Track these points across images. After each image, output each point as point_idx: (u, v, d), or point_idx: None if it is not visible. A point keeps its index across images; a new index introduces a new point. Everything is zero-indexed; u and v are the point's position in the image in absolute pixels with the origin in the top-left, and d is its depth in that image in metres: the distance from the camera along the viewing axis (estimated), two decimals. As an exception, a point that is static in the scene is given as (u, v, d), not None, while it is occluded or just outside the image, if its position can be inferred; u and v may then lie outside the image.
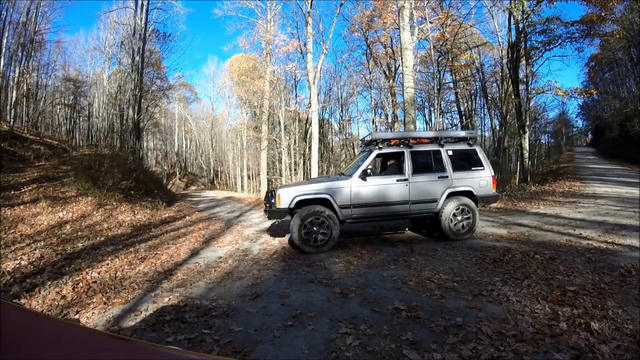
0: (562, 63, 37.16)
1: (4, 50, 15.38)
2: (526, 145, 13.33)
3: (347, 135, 28.18)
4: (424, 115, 25.74)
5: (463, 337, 2.29)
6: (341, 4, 14.06)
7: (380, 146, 5.19)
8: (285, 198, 4.75)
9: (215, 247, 5.44)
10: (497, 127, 19.46)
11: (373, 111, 24.47)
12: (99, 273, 4.12)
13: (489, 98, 20.65)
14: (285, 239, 5.76)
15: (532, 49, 12.63)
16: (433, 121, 22.93)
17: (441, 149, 5.24)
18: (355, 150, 27.59)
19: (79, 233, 5.93)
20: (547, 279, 3.25)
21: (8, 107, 15.51)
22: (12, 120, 14.73)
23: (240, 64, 25.38)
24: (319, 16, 22.51)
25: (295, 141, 21.11)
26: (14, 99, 15.90)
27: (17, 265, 4.15)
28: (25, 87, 17.52)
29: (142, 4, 15.38)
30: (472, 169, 5.27)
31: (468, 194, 5.17)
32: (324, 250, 4.71)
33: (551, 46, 12.59)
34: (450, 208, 5.02)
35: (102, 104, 21.56)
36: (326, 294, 3.18)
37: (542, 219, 6.46)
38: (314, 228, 4.70)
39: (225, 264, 4.44)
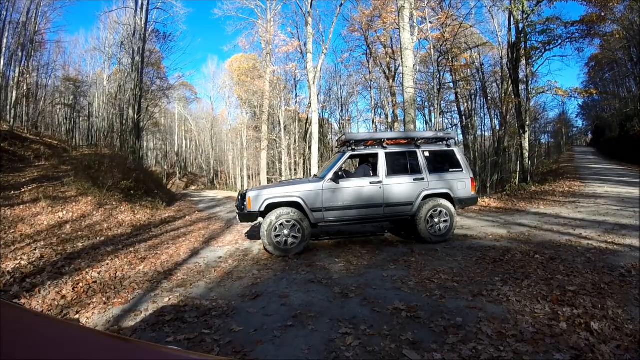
0: (562, 63, 37.23)
1: (4, 50, 15.38)
2: (526, 145, 13.32)
3: (347, 135, 28.16)
4: (424, 115, 25.77)
5: (463, 337, 2.29)
6: (341, 4, 14.08)
7: (354, 147, 5.07)
8: (256, 201, 4.61)
9: (215, 247, 5.44)
10: (497, 127, 19.44)
11: (373, 111, 24.51)
12: (99, 273, 4.12)
13: (489, 98, 20.64)
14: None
15: (532, 49, 12.62)
16: (433, 121, 22.94)
17: (417, 150, 5.12)
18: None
19: (79, 233, 5.93)
20: (547, 279, 3.25)
21: (8, 107, 15.52)
22: (12, 120, 14.74)
23: (240, 64, 25.40)
24: (319, 16, 22.57)
25: (295, 141, 21.11)
26: (14, 99, 15.91)
27: (17, 265, 4.15)
28: (25, 87, 17.52)
29: (142, 4, 15.38)
30: (450, 170, 5.16)
31: (445, 195, 5.07)
32: (293, 253, 4.57)
33: (551, 46, 12.58)
34: (425, 210, 4.92)
35: (102, 104, 21.56)
36: (326, 294, 3.18)
37: (542, 219, 6.46)
38: (285, 231, 4.56)
39: (225, 264, 4.44)
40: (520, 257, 4.01)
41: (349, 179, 4.96)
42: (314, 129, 13.95)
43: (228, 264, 4.40)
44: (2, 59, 15.30)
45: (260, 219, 4.85)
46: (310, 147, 16.19)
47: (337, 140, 6.19)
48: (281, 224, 4.56)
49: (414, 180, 4.98)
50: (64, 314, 3.05)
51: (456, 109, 23.61)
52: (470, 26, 17.10)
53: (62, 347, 0.66)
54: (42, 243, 5.11)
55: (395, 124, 19.94)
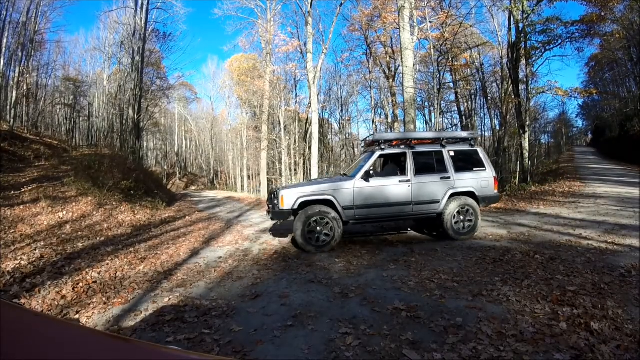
0: (562, 63, 37.23)
1: (4, 50, 15.38)
2: (526, 145, 13.32)
3: (347, 135, 28.20)
4: (424, 115, 25.75)
5: (463, 337, 2.28)
6: (341, 4, 14.07)
7: (383, 147, 5.21)
8: (289, 199, 4.74)
9: (215, 247, 5.44)
10: (497, 127, 19.43)
11: (373, 111, 24.49)
12: (99, 273, 4.12)
13: (489, 98, 20.63)
14: (286, 239, 5.76)
15: (532, 48, 12.61)
16: (433, 121, 22.93)
17: (443, 149, 5.26)
18: (356, 150, 27.59)
19: (79, 233, 5.93)
20: (547, 279, 3.25)
21: (8, 107, 15.52)
22: (12, 120, 14.74)
23: (240, 63, 25.39)
24: (319, 16, 22.58)
25: (295, 141, 21.10)
26: (14, 99, 15.91)
27: (17, 265, 4.15)
28: (25, 87, 17.52)
29: (142, 4, 15.40)
30: (474, 169, 5.29)
31: (470, 194, 5.19)
32: (325, 250, 4.73)
33: (551, 46, 12.58)
34: (452, 208, 5.04)
35: (102, 104, 21.57)
36: (326, 294, 3.18)
37: (542, 219, 6.46)
38: (318, 228, 4.72)
39: (225, 264, 4.44)
40: (520, 257, 4.01)
41: (378, 177, 5.11)
42: (314, 129, 13.95)
43: (228, 264, 4.40)
44: (2, 59, 15.30)
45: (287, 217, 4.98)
46: (310, 147, 16.18)
47: (364, 140, 6.39)
48: (314, 221, 4.71)
49: (441, 179, 5.12)
50: (64, 314, 3.05)
51: (456, 109, 23.63)
52: (470, 26, 17.08)
53: (62, 347, 0.66)
54: (42, 243, 5.11)
55: (395, 124, 19.94)
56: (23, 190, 7.26)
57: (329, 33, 14.35)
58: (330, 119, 27.53)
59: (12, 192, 7.04)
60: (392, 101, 20.54)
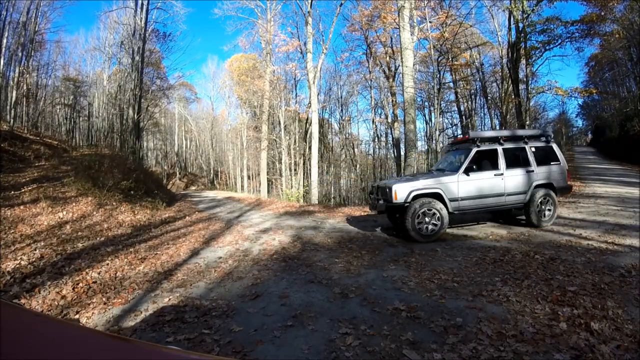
0: (562, 63, 37.24)
1: (4, 50, 15.39)
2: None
3: (347, 135, 28.19)
4: (424, 115, 25.79)
5: (463, 337, 2.29)
6: (341, 4, 14.11)
7: (479, 144, 5.76)
8: (402, 193, 5.17)
9: (215, 248, 5.44)
10: (497, 127, 19.44)
11: (373, 111, 24.50)
12: (99, 273, 4.12)
13: (489, 98, 20.65)
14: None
15: (532, 48, 12.63)
16: (433, 121, 22.95)
17: (526, 146, 5.88)
18: (355, 149, 27.61)
19: (79, 233, 5.93)
20: (547, 279, 3.25)
21: (8, 107, 15.52)
22: (12, 120, 14.74)
23: (240, 63, 25.41)
24: (319, 16, 22.61)
25: (295, 141, 21.10)
26: (14, 99, 15.91)
27: (17, 266, 4.15)
28: (25, 87, 17.53)
29: (142, 4, 15.39)
30: (551, 163, 5.94)
31: (549, 185, 5.83)
32: (433, 239, 5.11)
33: (551, 46, 12.60)
34: (536, 199, 5.67)
35: (102, 103, 21.59)
36: (326, 294, 3.18)
37: (542, 219, 6.44)
38: (426, 219, 5.15)
39: (225, 264, 4.44)
40: (520, 258, 4.01)
41: (476, 172, 5.58)
42: (314, 129, 13.97)
43: (228, 264, 4.40)
44: (2, 59, 15.30)
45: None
46: (310, 147, 16.20)
47: (454, 138, 7.01)
48: (423, 213, 5.13)
49: (526, 172, 5.74)
50: (64, 314, 3.05)
51: (456, 109, 23.65)
52: (470, 26, 17.09)
53: (62, 347, 0.66)
54: (42, 243, 5.11)
55: (395, 124, 19.95)
56: (23, 190, 7.25)
57: (329, 33, 14.41)
58: (330, 119, 27.60)
59: (12, 192, 7.04)
60: (392, 101, 20.54)
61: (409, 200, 5.16)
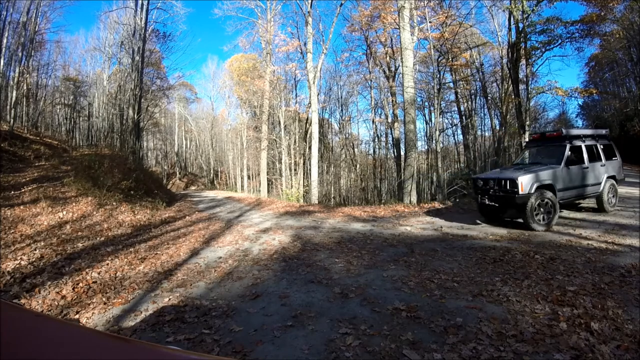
0: (562, 63, 37.20)
1: (4, 50, 15.39)
2: (526, 145, 13.29)
3: (347, 135, 28.16)
4: (424, 115, 25.76)
5: (463, 337, 2.29)
6: (341, 4, 14.11)
7: (573, 141, 6.34)
8: (527, 185, 5.52)
9: (215, 247, 5.44)
10: (497, 127, 19.43)
11: (373, 111, 24.47)
12: (99, 273, 4.12)
13: (489, 98, 20.63)
14: (286, 239, 5.75)
15: (532, 48, 12.60)
16: (433, 121, 22.94)
17: (597, 143, 6.68)
18: (355, 149, 27.59)
19: (79, 233, 5.93)
20: (547, 279, 3.25)
21: (8, 107, 15.51)
22: (12, 120, 14.72)
23: (240, 63, 25.42)
24: (319, 16, 22.61)
25: (295, 141, 21.10)
26: (14, 99, 15.90)
27: (17, 266, 4.15)
28: (25, 87, 17.52)
29: (142, 4, 15.38)
30: (612, 158, 6.88)
31: (613, 177, 6.71)
32: (549, 227, 5.50)
33: (551, 46, 12.55)
34: (607, 188, 6.53)
35: (102, 104, 21.57)
36: (326, 294, 3.18)
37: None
38: (541, 209, 5.57)
39: (225, 264, 4.44)
40: (520, 257, 4.01)
41: (572, 165, 6.15)
42: (314, 129, 13.97)
43: (228, 264, 4.40)
44: (2, 58, 15.30)
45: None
46: (310, 147, 16.19)
47: (538, 134, 7.41)
48: (539, 204, 5.54)
49: (600, 166, 6.56)
50: (64, 314, 3.05)
51: (456, 109, 23.61)
52: (470, 26, 17.09)
53: (62, 347, 0.66)
54: (42, 243, 5.11)
55: (395, 124, 19.95)
56: (23, 190, 7.25)
57: (329, 33, 14.40)
58: (330, 119, 27.55)
59: (12, 192, 7.04)
60: (392, 101, 20.54)
61: (532, 191, 5.50)
